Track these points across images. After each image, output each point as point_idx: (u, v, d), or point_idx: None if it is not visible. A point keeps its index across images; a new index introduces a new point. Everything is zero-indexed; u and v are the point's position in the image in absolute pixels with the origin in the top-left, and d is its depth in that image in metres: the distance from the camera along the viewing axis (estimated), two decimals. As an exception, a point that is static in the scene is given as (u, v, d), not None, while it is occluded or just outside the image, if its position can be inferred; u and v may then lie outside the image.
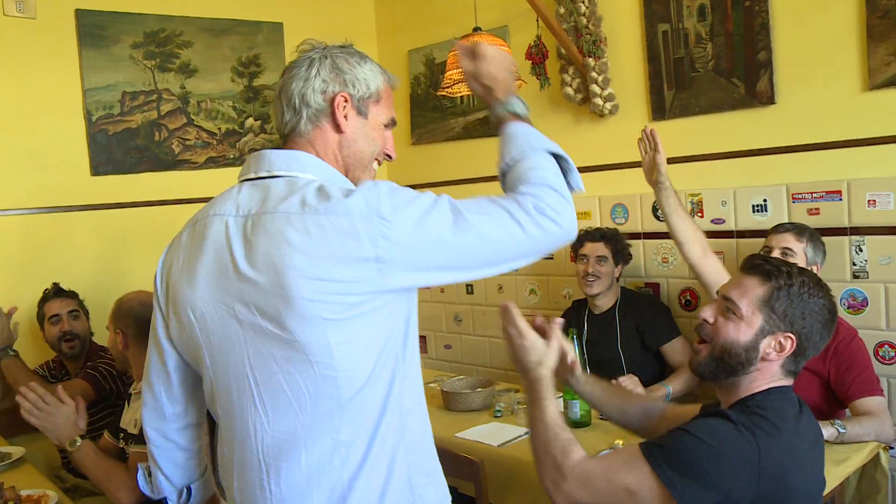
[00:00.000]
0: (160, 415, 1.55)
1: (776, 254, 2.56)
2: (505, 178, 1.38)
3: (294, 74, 1.40)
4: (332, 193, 1.26)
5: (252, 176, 1.38)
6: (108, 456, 2.41)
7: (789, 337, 1.53)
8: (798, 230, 2.61)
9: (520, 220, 1.26)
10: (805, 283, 1.54)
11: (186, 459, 1.61)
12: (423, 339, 4.49)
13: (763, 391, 1.56)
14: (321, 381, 1.27)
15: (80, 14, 3.56)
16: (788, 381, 1.59)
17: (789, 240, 2.59)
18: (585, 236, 3.20)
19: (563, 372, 1.75)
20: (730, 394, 1.61)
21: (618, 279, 3.23)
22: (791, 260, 2.51)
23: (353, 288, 1.24)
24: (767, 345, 1.54)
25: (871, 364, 2.50)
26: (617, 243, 3.16)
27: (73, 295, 3.25)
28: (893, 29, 2.64)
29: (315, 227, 1.24)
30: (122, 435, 2.56)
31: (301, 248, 1.23)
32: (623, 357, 3.09)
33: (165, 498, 1.65)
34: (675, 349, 3.08)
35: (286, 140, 1.43)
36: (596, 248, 3.13)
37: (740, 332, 1.55)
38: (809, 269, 2.55)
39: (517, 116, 1.44)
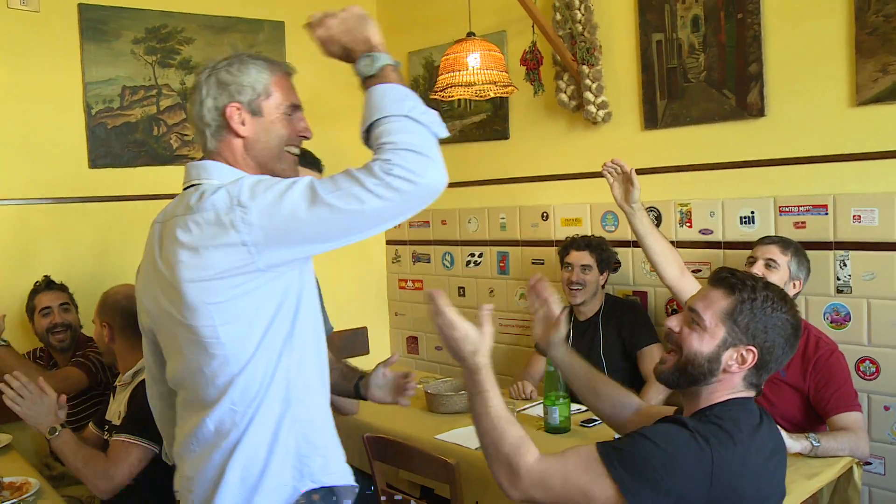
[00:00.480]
0: (153, 389, 1.79)
1: (760, 265, 2.58)
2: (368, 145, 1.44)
3: (192, 100, 1.57)
4: (207, 194, 1.43)
5: (184, 186, 1.56)
6: (88, 446, 2.45)
7: (751, 350, 1.56)
8: (784, 244, 2.62)
9: (369, 187, 1.32)
10: (769, 297, 1.56)
11: None
12: (414, 339, 4.52)
13: (723, 402, 1.58)
14: (213, 360, 1.46)
15: (83, 8, 3.59)
16: (750, 393, 1.61)
17: (774, 252, 2.60)
18: (571, 244, 3.22)
19: (546, 334, 1.80)
20: (691, 402, 1.64)
21: (603, 287, 3.25)
22: (774, 272, 2.53)
23: (229, 272, 1.40)
24: (729, 357, 1.57)
25: (849, 379, 2.51)
26: (602, 252, 3.18)
27: (63, 288, 3.29)
28: (881, 46, 2.65)
29: (193, 225, 1.42)
30: (106, 427, 2.60)
31: (185, 244, 1.42)
32: (605, 364, 3.11)
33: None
34: (650, 355, 3.08)
35: (206, 155, 1.59)
36: (581, 257, 3.15)
37: (703, 344, 1.57)
38: (791, 283, 2.57)
39: (373, 78, 1.44)
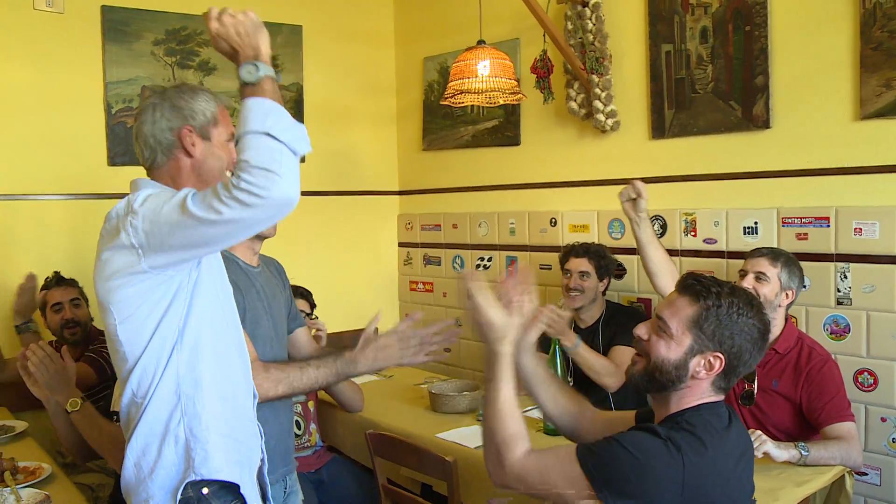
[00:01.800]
0: None
1: (750, 278, 2.60)
2: None
3: (143, 120, 1.72)
4: (119, 204, 1.60)
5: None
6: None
7: (718, 356, 1.58)
8: (773, 255, 2.64)
9: (224, 200, 1.43)
10: (734, 303, 1.59)
11: None
12: (423, 340, 4.56)
13: (692, 407, 1.61)
14: (117, 354, 1.65)
15: (106, 10, 3.69)
16: (719, 397, 1.64)
17: (764, 264, 2.62)
18: (570, 251, 3.26)
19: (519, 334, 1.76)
20: (662, 408, 1.67)
21: (604, 293, 3.28)
22: (764, 285, 2.56)
23: (121, 272, 1.56)
24: (697, 364, 1.59)
25: (843, 388, 2.53)
26: (601, 259, 3.21)
27: (73, 283, 3.36)
28: (885, 61, 2.68)
29: (104, 231, 1.61)
30: (114, 418, 2.68)
31: (98, 249, 1.61)
32: (606, 370, 3.13)
33: None
34: (624, 353, 3.01)
35: (149, 171, 1.75)
36: (579, 264, 3.19)
37: (671, 351, 1.60)
38: (784, 293, 2.59)
39: (251, 86, 1.51)
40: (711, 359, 1.59)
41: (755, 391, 2.58)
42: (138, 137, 1.73)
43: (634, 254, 3.44)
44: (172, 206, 1.49)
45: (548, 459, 1.59)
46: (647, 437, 1.54)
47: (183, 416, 1.63)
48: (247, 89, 1.50)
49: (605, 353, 3.14)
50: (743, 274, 2.65)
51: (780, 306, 2.61)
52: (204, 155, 1.73)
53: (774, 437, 2.44)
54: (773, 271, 2.60)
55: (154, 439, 1.63)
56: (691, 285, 1.63)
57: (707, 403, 1.62)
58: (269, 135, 1.43)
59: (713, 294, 1.59)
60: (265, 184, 1.40)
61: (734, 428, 1.62)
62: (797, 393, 2.53)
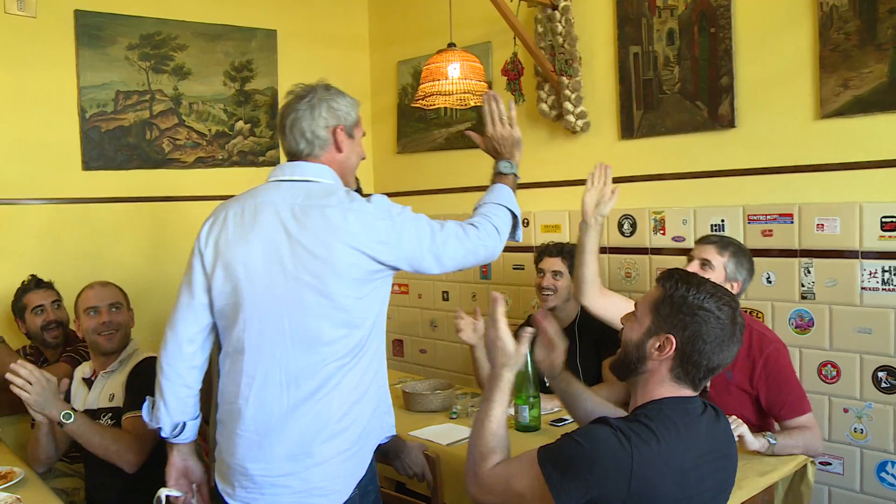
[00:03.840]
0: (178, 352, 1.96)
1: (695, 264, 2.58)
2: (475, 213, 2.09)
3: (301, 116, 1.95)
4: (354, 196, 1.87)
5: (287, 178, 1.93)
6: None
7: (670, 339, 1.62)
8: (722, 244, 2.62)
9: (466, 235, 1.98)
10: (694, 292, 1.63)
11: (187, 397, 1.99)
12: (399, 342, 4.60)
13: (656, 400, 1.65)
14: (338, 326, 1.83)
15: (79, 14, 3.70)
16: (686, 391, 1.66)
17: (710, 252, 2.59)
18: (544, 251, 3.28)
19: (547, 365, 1.97)
20: (633, 398, 1.72)
21: None
22: (709, 272, 2.54)
23: (374, 259, 1.83)
24: (652, 345, 1.65)
25: (796, 379, 2.58)
26: (574, 259, 3.24)
27: (50, 285, 3.36)
28: (843, 62, 2.75)
29: (351, 215, 1.82)
30: (109, 415, 2.72)
31: (342, 228, 1.81)
32: (581, 371, 3.14)
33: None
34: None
35: (304, 158, 1.97)
36: (553, 263, 3.21)
37: (633, 332, 1.69)
38: (729, 284, 2.58)
39: (504, 175, 2.17)
40: (664, 340, 1.63)
41: (708, 384, 2.61)
42: (293, 129, 1.95)
43: (605, 252, 3.50)
44: (419, 223, 1.92)
45: (512, 467, 1.64)
46: (598, 428, 1.58)
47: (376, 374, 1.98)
48: (499, 177, 2.16)
49: (581, 354, 3.15)
50: (689, 259, 2.64)
51: None
52: (350, 151, 2.01)
53: None
54: (719, 260, 2.58)
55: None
56: (665, 275, 1.70)
57: (672, 398, 1.64)
58: (506, 208, 2.07)
59: (674, 280, 1.66)
60: (490, 237, 2.00)
61: (705, 425, 1.64)
62: (753, 387, 2.55)
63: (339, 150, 1.97)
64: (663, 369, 1.65)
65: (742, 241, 2.90)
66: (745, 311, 3.05)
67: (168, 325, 1.98)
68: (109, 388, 2.75)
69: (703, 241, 2.69)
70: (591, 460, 1.52)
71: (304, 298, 1.81)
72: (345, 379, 1.85)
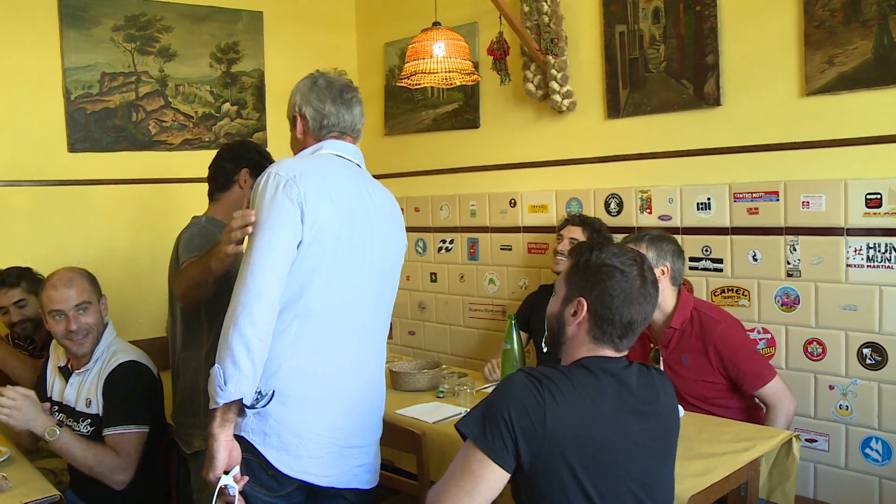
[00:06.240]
0: (270, 322, 1.83)
1: (565, 243, 2.97)
2: None
3: (352, 113, 2.12)
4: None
5: (357, 162, 2.15)
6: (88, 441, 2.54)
7: (580, 301, 1.68)
8: (637, 238, 2.73)
9: None
10: (597, 254, 1.70)
11: (263, 361, 1.84)
12: (388, 324, 4.60)
13: (577, 360, 1.69)
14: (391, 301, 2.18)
15: (63, -5, 3.67)
16: (607, 351, 1.69)
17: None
18: (569, 220, 3.31)
19: None
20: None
21: None
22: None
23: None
24: (569, 311, 1.71)
25: (752, 348, 2.65)
26: (596, 232, 3.20)
27: (15, 283, 3.23)
28: (828, 38, 2.75)
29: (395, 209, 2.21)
30: (88, 419, 2.67)
31: (399, 221, 2.20)
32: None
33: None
34: None
35: (355, 139, 2.16)
36: (573, 231, 3.23)
37: (553, 305, 1.77)
38: (658, 271, 2.65)
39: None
40: (576, 305, 1.69)
41: (661, 357, 2.65)
42: (358, 108, 2.14)
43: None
44: None
45: (449, 470, 1.63)
46: (511, 376, 1.63)
47: None
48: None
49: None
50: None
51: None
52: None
53: (692, 406, 2.58)
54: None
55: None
56: (575, 247, 1.79)
57: (592, 357, 1.68)
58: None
59: (578, 249, 1.75)
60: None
61: (632, 377, 1.68)
62: (713, 367, 2.61)
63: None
64: (581, 332, 1.70)
65: (727, 219, 2.93)
66: (731, 291, 3.07)
67: (252, 297, 1.79)
68: (86, 391, 2.67)
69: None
70: (504, 400, 1.58)
71: (386, 278, 2.13)
72: None
